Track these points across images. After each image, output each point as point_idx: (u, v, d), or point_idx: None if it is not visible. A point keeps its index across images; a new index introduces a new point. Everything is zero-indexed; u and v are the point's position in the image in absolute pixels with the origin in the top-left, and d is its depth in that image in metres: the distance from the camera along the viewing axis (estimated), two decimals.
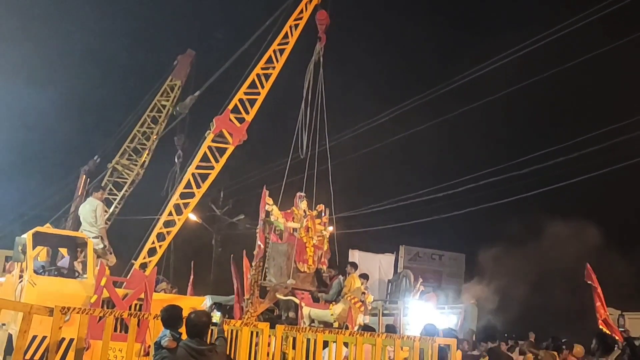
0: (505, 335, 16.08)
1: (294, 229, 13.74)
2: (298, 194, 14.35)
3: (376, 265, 22.65)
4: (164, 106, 22.62)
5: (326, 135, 14.70)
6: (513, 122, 33.74)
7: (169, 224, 12.93)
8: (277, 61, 14.38)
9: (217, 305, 16.35)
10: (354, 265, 15.13)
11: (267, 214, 13.60)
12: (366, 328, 10.92)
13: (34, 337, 8.87)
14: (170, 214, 12.96)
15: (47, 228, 12.86)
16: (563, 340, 11.36)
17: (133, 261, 12.33)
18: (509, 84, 22.00)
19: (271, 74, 14.25)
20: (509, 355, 11.73)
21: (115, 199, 22.47)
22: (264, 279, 13.44)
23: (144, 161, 22.66)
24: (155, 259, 12.40)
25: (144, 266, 12.08)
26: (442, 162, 34.05)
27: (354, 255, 21.19)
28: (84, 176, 22.18)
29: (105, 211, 15.91)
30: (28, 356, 8.53)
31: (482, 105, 23.13)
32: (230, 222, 32.24)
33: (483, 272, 21.16)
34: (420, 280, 19.77)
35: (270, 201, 13.77)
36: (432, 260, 28.68)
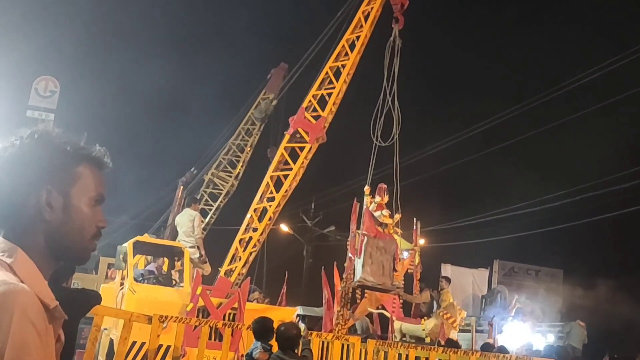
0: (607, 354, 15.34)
1: (383, 224, 13.16)
2: (381, 185, 13.81)
3: (469, 280, 22.10)
4: (257, 119, 23.06)
5: (395, 125, 13.87)
6: (615, 133, 32.26)
7: (252, 229, 12.97)
8: (351, 52, 13.66)
9: (302, 318, 16.33)
10: (448, 280, 14.85)
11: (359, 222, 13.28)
12: (450, 343, 10.61)
13: (134, 343, 9.17)
14: (251, 219, 12.96)
15: (146, 237, 13.33)
16: None
17: (219, 269, 12.56)
18: (614, 93, 21.09)
19: (345, 65, 13.60)
20: None
21: (210, 210, 23.08)
22: (357, 277, 12.53)
23: (238, 173, 23.17)
24: (239, 265, 12.46)
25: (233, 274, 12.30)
26: (539, 175, 32.95)
27: (447, 270, 20.77)
28: (182, 187, 22.87)
29: (202, 221, 16.36)
30: None
31: (582, 117, 22.31)
32: (320, 234, 32.38)
33: (586, 290, 20.30)
34: (516, 296, 19.16)
35: (367, 191, 13.51)
36: (527, 275, 27.64)
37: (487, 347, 11.80)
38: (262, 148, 22.79)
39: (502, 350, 11.21)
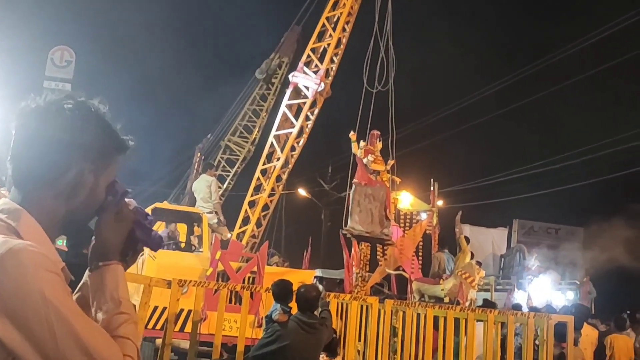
0: (628, 312, 15.34)
1: (376, 171, 12.54)
2: (373, 131, 13.14)
3: (489, 239, 22.10)
4: (272, 84, 22.90)
5: (387, 68, 13.46)
6: (634, 87, 31.71)
7: (263, 190, 12.98)
8: (346, 1, 13.22)
9: (318, 279, 16.38)
10: (466, 240, 14.83)
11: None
12: (487, 304, 10.67)
13: (155, 308, 9.31)
14: (259, 180, 12.94)
15: (165, 204, 13.42)
16: None
17: (231, 232, 12.64)
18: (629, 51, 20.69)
19: (342, 13, 13.21)
20: None
21: (228, 176, 23.13)
22: (345, 226, 12.07)
23: (255, 138, 23.12)
24: (250, 227, 12.49)
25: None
26: (558, 132, 32.62)
27: (465, 230, 20.76)
28: (199, 154, 22.94)
29: (219, 187, 16.41)
30: (150, 326, 8.96)
31: (601, 73, 21.95)
32: (338, 197, 32.45)
33: (601, 246, 20.18)
34: (535, 255, 19.15)
35: (353, 137, 12.83)
36: (547, 234, 27.51)
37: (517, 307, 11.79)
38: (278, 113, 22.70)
39: (517, 307, 11.31)
